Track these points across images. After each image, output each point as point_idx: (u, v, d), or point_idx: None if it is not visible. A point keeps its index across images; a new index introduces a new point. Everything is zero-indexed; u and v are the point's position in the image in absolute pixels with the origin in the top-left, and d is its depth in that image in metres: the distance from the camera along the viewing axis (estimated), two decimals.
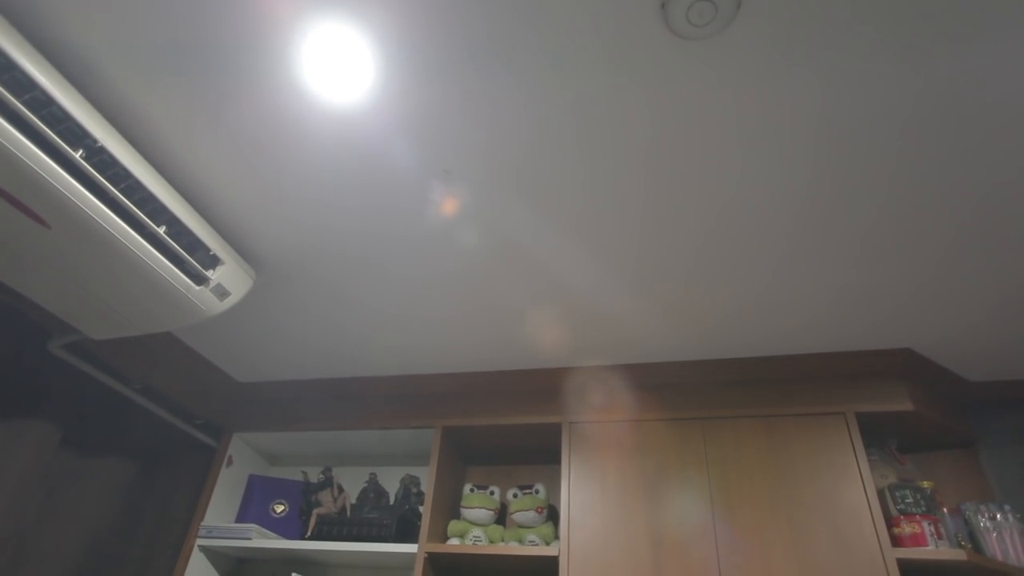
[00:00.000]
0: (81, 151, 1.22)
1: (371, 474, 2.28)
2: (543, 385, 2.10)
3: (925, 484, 1.82)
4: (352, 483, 2.37)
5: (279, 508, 2.35)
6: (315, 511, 2.18)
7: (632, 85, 1.15)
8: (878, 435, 1.96)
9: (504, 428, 2.09)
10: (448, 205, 1.50)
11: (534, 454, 2.23)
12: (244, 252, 1.67)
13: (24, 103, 1.11)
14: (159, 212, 1.39)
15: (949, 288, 1.62)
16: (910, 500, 1.74)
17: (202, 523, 2.20)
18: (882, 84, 1.11)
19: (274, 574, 2.08)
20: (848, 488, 1.73)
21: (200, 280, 1.52)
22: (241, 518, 2.31)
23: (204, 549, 2.19)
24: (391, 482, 2.30)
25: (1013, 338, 1.80)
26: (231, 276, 1.58)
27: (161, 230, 1.40)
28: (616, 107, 1.19)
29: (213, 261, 1.54)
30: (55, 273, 1.45)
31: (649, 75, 1.13)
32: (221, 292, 1.58)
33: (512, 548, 1.84)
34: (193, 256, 1.49)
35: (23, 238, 1.35)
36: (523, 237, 1.54)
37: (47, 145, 1.17)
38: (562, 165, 1.33)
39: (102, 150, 1.25)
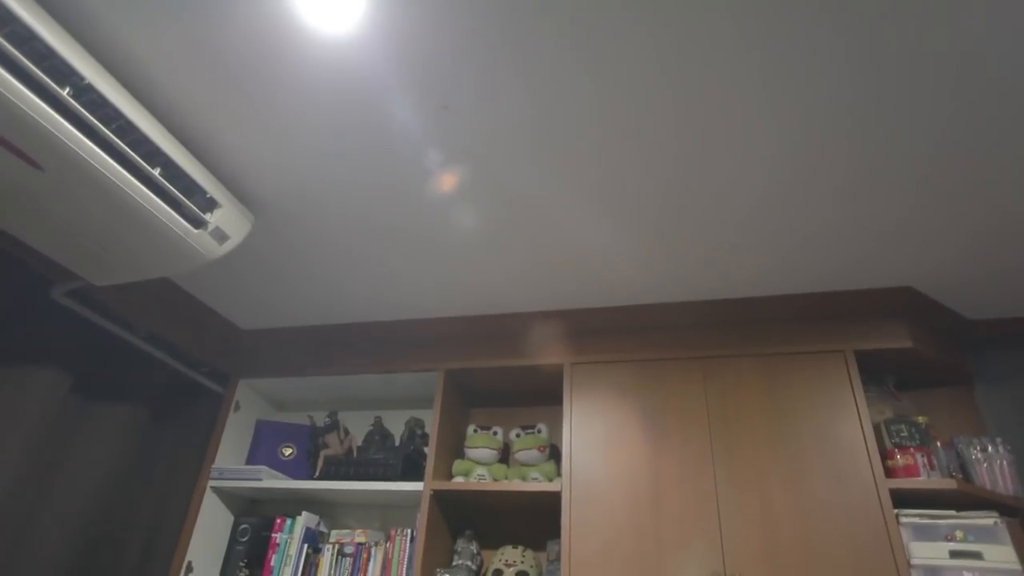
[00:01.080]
0: (68, 89, 1.18)
1: (376, 417, 2.32)
2: (545, 327, 2.11)
3: (920, 419, 1.85)
4: (358, 427, 2.42)
5: (287, 451, 2.41)
6: (322, 453, 2.24)
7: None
8: (876, 373, 1.98)
9: (506, 370, 2.11)
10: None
11: (536, 396, 2.27)
12: (241, 195, 1.65)
13: (5, 37, 1.07)
14: (153, 154, 1.37)
15: (951, 225, 1.60)
16: (905, 434, 1.78)
17: (213, 465, 2.26)
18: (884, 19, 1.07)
19: (285, 513, 2.15)
20: (845, 423, 1.76)
21: (198, 223, 1.51)
22: (251, 461, 2.37)
23: (216, 490, 2.25)
24: (396, 425, 2.35)
25: (1013, 275, 1.80)
26: (229, 219, 1.57)
27: (156, 172, 1.38)
28: (622, 46, 1.15)
29: (210, 204, 1.53)
30: (53, 218, 1.44)
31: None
32: (220, 235, 1.57)
33: (516, 484, 1.89)
34: (190, 199, 1.47)
35: (17, 182, 1.33)
36: (522, 178, 1.52)
37: (32, 82, 1.13)
38: (561, 100, 1.30)
39: (90, 88, 1.22)
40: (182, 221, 1.47)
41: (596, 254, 1.80)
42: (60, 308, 1.84)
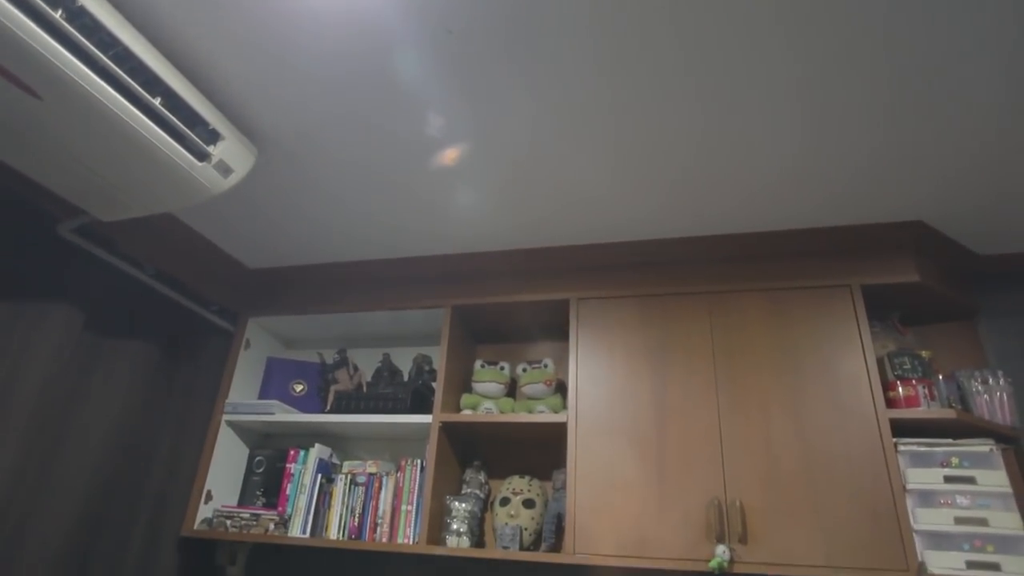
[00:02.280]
0: (60, 11, 1.15)
1: (384, 354, 2.36)
2: (551, 263, 2.12)
3: (924, 353, 1.87)
4: (366, 364, 2.46)
5: (298, 387, 2.46)
6: (333, 388, 2.29)
7: None
8: (882, 308, 1.98)
9: (513, 306, 2.13)
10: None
11: (542, 332, 2.29)
12: (243, 128, 1.62)
13: None
14: (152, 83, 1.34)
15: (963, 156, 1.57)
16: (908, 366, 1.80)
17: (227, 400, 2.32)
18: None
19: (298, 446, 2.22)
20: (848, 356, 1.78)
21: (202, 156, 1.50)
22: (263, 397, 2.43)
23: (231, 424, 2.32)
24: (404, 362, 2.39)
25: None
26: (233, 152, 1.55)
27: (156, 102, 1.35)
28: None
29: (213, 136, 1.51)
30: (56, 150, 1.43)
31: None
32: (224, 169, 1.55)
33: (522, 416, 1.94)
34: (192, 130, 1.45)
35: (16, 111, 1.31)
36: (526, 114, 1.48)
37: (20, 2, 1.10)
38: (562, 20, 1.25)
39: (83, 11, 1.18)
40: (185, 153, 1.45)
41: (602, 190, 1.78)
42: (68, 245, 1.84)
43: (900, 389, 1.75)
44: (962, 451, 1.62)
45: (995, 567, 1.49)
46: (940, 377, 1.82)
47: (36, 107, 1.29)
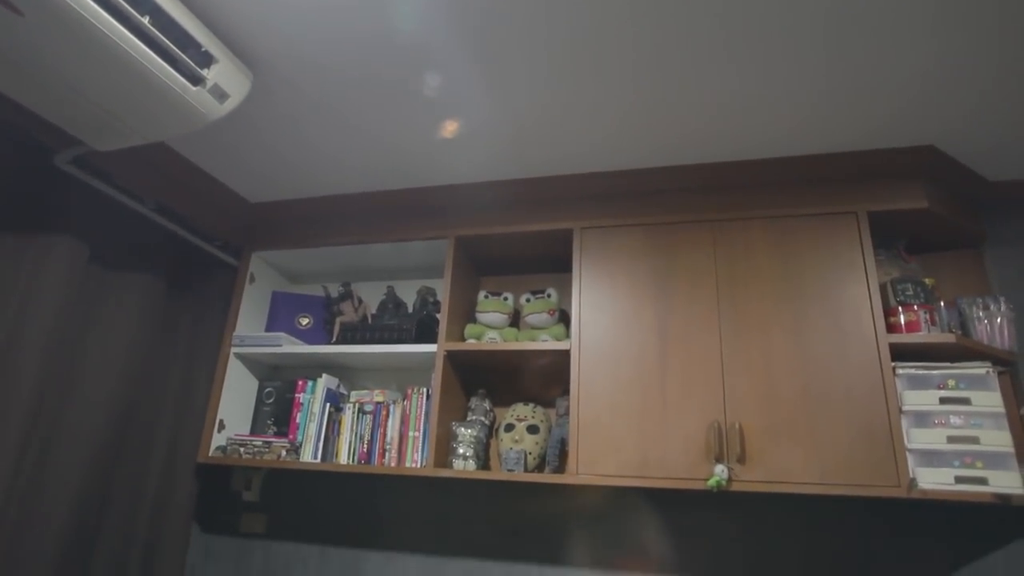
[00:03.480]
0: None
1: (388, 287, 2.38)
2: (554, 192, 2.09)
3: (927, 280, 1.87)
4: (370, 297, 2.48)
5: (304, 321, 2.49)
6: (338, 320, 2.31)
7: None
8: (887, 236, 1.97)
9: (516, 236, 2.12)
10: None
11: (545, 263, 2.29)
12: (238, 51, 1.57)
13: None
14: (139, 0, 1.29)
15: (982, 79, 1.52)
16: (910, 292, 1.81)
17: (234, 333, 2.35)
18: None
19: (305, 377, 2.27)
20: (851, 283, 1.79)
21: (196, 80, 1.45)
22: (269, 330, 2.46)
23: (240, 356, 2.36)
24: (408, 294, 2.40)
25: None
26: (228, 76, 1.51)
27: (145, 20, 1.31)
28: None
29: (207, 59, 1.46)
30: (42, 73, 1.39)
31: None
32: (219, 93, 1.51)
33: (526, 344, 1.97)
34: (184, 52, 1.40)
35: (1, 31, 1.27)
36: (532, 34, 1.43)
37: None
38: None
39: None
40: (178, 76, 1.41)
41: (605, 115, 1.74)
42: (68, 177, 1.82)
43: (901, 314, 1.76)
44: (959, 373, 1.65)
45: (983, 481, 1.54)
46: (942, 304, 1.83)
47: (19, 25, 1.24)
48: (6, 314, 1.67)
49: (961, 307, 1.87)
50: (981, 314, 1.83)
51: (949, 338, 1.69)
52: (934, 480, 1.56)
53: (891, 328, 1.75)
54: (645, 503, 2.02)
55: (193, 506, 2.25)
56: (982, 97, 1.60)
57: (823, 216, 1.89)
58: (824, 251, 1.85)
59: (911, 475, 1.58)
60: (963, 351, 1.71)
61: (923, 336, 1.71)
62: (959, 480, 1.55)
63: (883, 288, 1.82)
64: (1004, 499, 1.53)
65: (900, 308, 1.77)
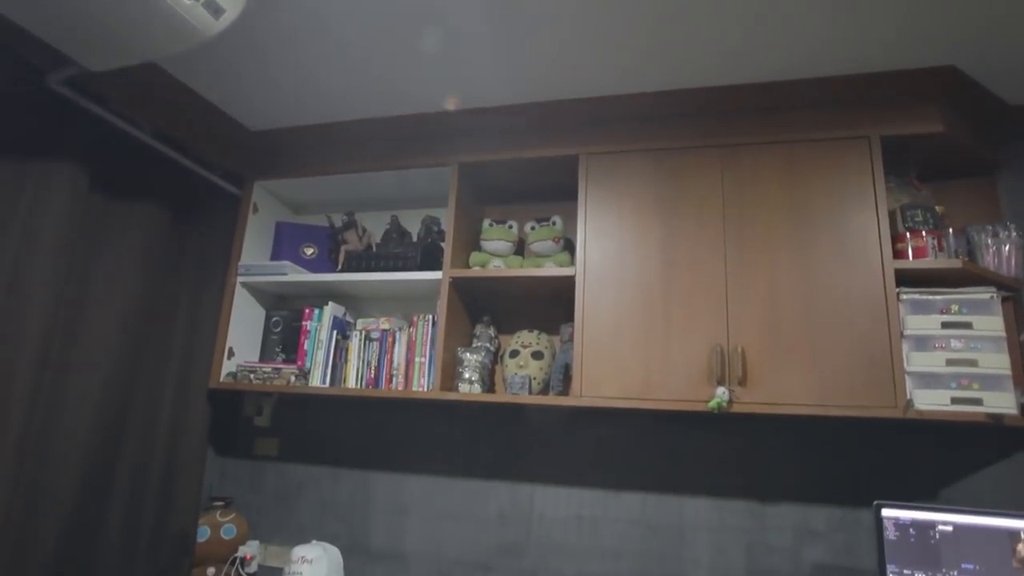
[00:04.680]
0: None
1: (392, 216, 2.36)
2: (560, 117, 2.04)
3: (938, 207, 1.85)
4: (375, 227, 2.47)
5: (309, 251, 2.49)
6: (343, 248, 2.31)
7: None
8: (899, 164, 1.93)
9: (521, 163, 2.09)
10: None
11: (550, 191, 2.27)
12: None
13: None
14: None
15: None
16: (919, 219, 1.79)
17: (240, 263, 2.35)
18: None
19: (312, 306, 2.29)
20: (860, 209, 1.77)
21: None
22: (274, 260, 2.46)
23: (246, 286, 2.38)
24: (412, 224, 2.39)
25: None
26: None
27: None
28: None
29: None
30: None
31: None
32: (214, 8, 1.45)
33: (531, 270, 1.97)
34: None
35: None
36: None
37: None
38: None
39: None
40: None
41: (612, 37, 1.67)
42: (63, 101, 1.78)
43: (909, 241, 1.75)
44: (963, 299, 1.65)
45: (978, 402, 1.57)
46: (951, 231, 1.81)
47: None
48: (10, 239, 1.68)
49: (970, 234, 1.86)
50: (990, 241, 1.82)
51: (956, 264, 1.68)
52: (930, 401, 1.59)
53: (898, 254, 1.75)
54: (646, 426, 2.07)
55: (207, 430, 2.32)
56: (1008, 7, 1.52)
57: (834, 141, 1.85)
58: (834, 177, 1.82)
59: (908, 396, 1.61)
60: (969, 277, 1.71)
61: (929, 262, 1.71)
62: (955, 401, 1.58)
63: (892, 215, 1.80)
64: (996, 419, 1.57)
65: (908, 234, 1.75)
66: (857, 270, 1.72)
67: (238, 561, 2.28)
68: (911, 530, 1.61)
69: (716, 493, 1.98)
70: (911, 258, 1.73)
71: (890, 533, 1.62)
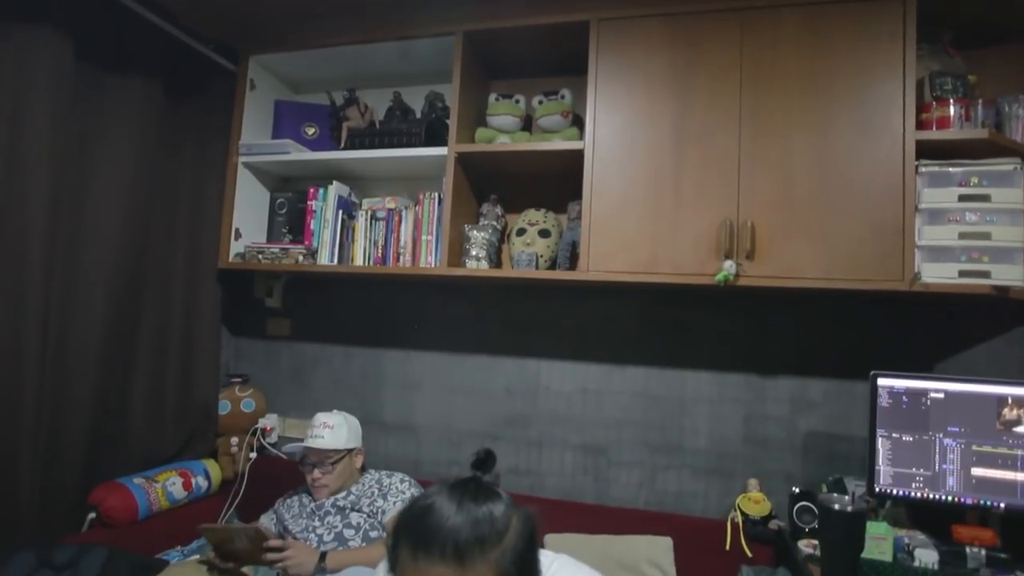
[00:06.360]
0: None
1: (395, 93, 2.27)
2: None
3: (970, 77, 1.75)
4: (377, 105, 2.38)
5: (310, 131, 2.42)
6: (345, 125, 2.25)
7: None
8: (934, 28, 1.80)
9: (528, 30, 1.96)
10: None
11: (558, 64, 2.14)
12: None
13: None
14: None
15: None
16: (948, 87, 1.70)
17: (240, 142, 2.30)
18: None
19: (316, 186, 2.25)
20: (886, 78, 1.67)
21: None
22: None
23: (248, 166, 2.33)
24: (416, 101, 2.30)
25: None
26: None
27: None
28: None
29: None
30: None
31: None
32: None
33: (539, 144, 1.92)
34: None
35: None
36: None
37: None
38: None
39: None
40: None
41: None
42: None
43: (935, 110, 1.67)
44: (984, 170, 1.60)
45: (985, 275, 1.57)
46: (980, 101, 1.72)
47: None
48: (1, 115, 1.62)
49: (1000, 105, 1.77)
50: (1021, 112, 1.73)
51: (982, 134, 1.62)
52: (937, 274, 1.59)
53: (921, 125, 1.67)
54: (651, 304, 2.10)
55: (220, 309, 2.38)
56: None
57: (866, 3, 1.71)
58: (861, 43, 1.71)
59: (916, 270, 1.60)
60: (994, 148, 1.64)
61: (953, 132, 1.64)
62: (962, 274, 1.58)
63: (920, 83, 1.71)
64: (1002, 291, 1.57)
65: (935, 104, 1.67)
66: (876, 142, 1.66)
67: (259, 432, 2.41)
68: (904, 398, 1.66)
69: (717, 367, 2.04)
70: (934, 129, 1.66)
71: (883, 400, 1.68)
